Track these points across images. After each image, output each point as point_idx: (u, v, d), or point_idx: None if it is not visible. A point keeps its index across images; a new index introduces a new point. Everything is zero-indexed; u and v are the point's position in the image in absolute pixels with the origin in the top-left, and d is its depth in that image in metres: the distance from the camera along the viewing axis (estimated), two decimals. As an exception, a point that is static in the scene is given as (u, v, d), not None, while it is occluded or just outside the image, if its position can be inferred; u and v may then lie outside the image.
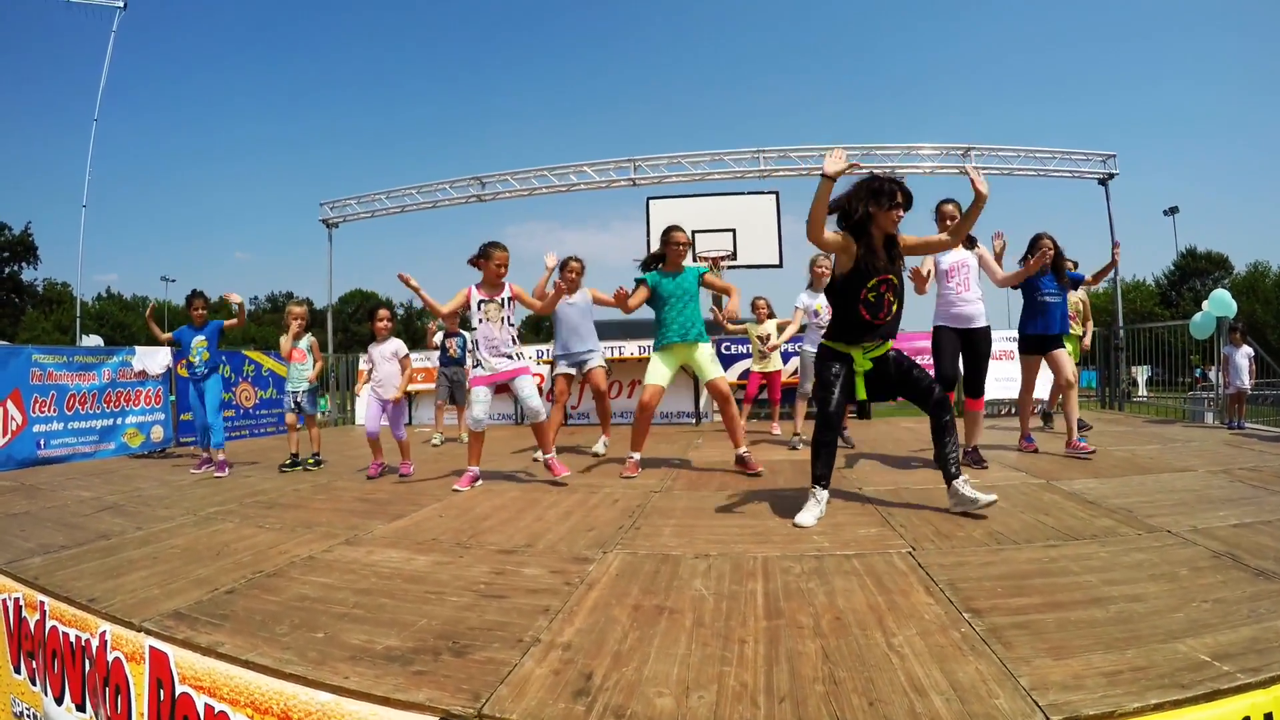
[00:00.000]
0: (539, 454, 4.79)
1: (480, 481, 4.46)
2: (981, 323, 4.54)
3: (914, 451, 5.34)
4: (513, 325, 4.49)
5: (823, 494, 3.35)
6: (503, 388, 4.61)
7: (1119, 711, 1.50)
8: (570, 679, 1.67)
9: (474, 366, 4.49)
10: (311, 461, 5.49)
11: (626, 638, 1.92)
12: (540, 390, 6.56)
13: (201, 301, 5.69)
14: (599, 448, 5.69)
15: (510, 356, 4.44)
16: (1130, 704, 1.52)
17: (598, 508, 3.65)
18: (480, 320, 4.42)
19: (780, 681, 1.64)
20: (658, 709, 1.53)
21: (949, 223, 4.26)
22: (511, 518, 3.49)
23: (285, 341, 5.50)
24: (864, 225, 3.23)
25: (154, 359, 7.39)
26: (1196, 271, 40.39)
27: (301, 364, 5.48)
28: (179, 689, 1.92)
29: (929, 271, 4.51)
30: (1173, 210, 41.82)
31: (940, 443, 3.32)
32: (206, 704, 1.85)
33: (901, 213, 3.25)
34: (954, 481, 3.28)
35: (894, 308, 3.30)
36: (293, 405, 5.54)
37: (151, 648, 2.02)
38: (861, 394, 3.36)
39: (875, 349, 3.35)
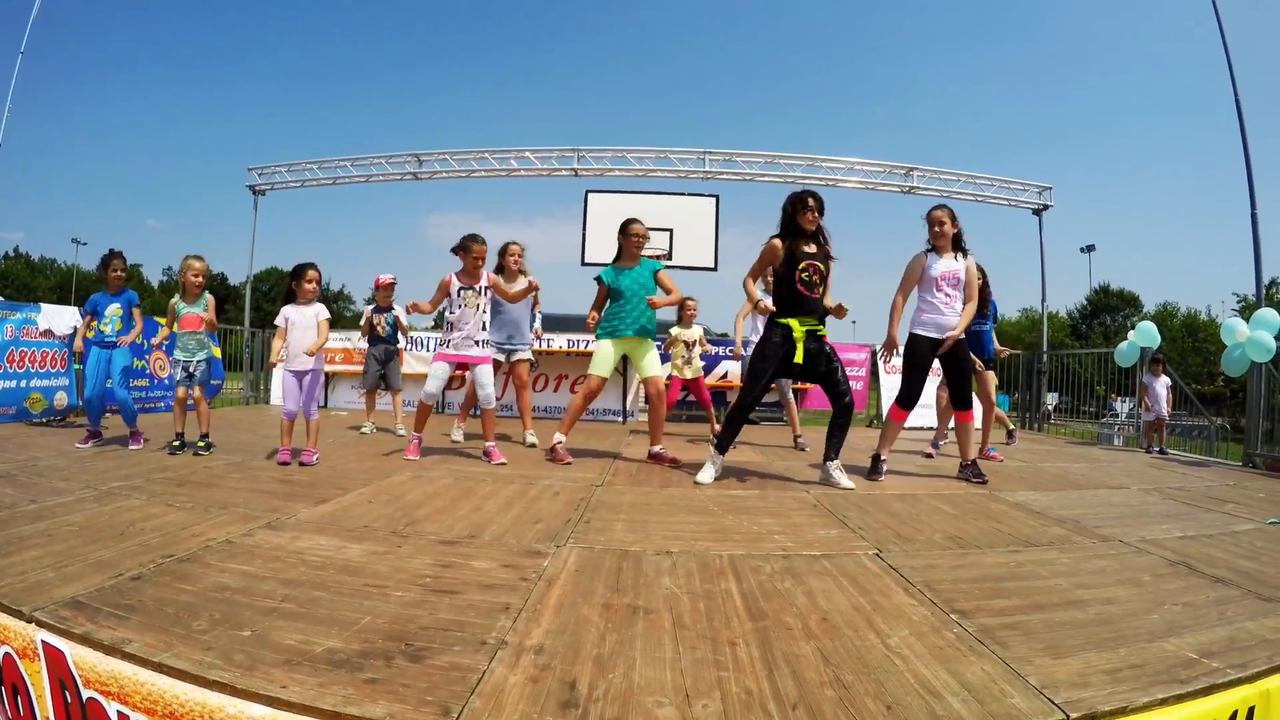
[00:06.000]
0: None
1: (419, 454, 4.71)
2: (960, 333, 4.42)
3: (854, 459, 5.37)
4: (485, 314, 4.72)
5: (719, 459, 4.14)
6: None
7: (1131, 707, 1.49)
8: (552, 688, 1.47)
9: (441, 345, 4.73)
10: (201, 445, 4.63)
11: (605, 640, 1.73)
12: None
13: (120, 263, 5.06)
14: (530, 439, 5.59)
15: (479, 344, 4.70)
16: (1139, 699, 1.51)
17: (539, 499, 3.46)
18: (459, 306, 4.64)
19: (786, 687, 1.49)
20: (660, 720, 1.35)
21: (938, 228, 4.43)
22: (447, 506, 3.25)
23: (175, 302, 4.71)
24: (791, 225, 4.07)
25: (60, 318, 6.61)
26: (1108, 307, 42.50)
27: (197, 330, 4.74)
28: (85, 693, 1.57)
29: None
30: (1089, 248, 44.64)
31: (832, 434, 4.14)
32: (120, 711, 1.52)
33: (812, 215, 4.04)
34: (829, 462, 4.11)
35: (821, 289, 4.05)
36: (183, 376, 4.70)
37: (45, 643, 1.66)
38: (799, 358, 4.01)
39: (810, 324, 4.05)
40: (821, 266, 4.03)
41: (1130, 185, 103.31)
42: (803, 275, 3.98)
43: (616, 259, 4.81)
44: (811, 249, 4.05)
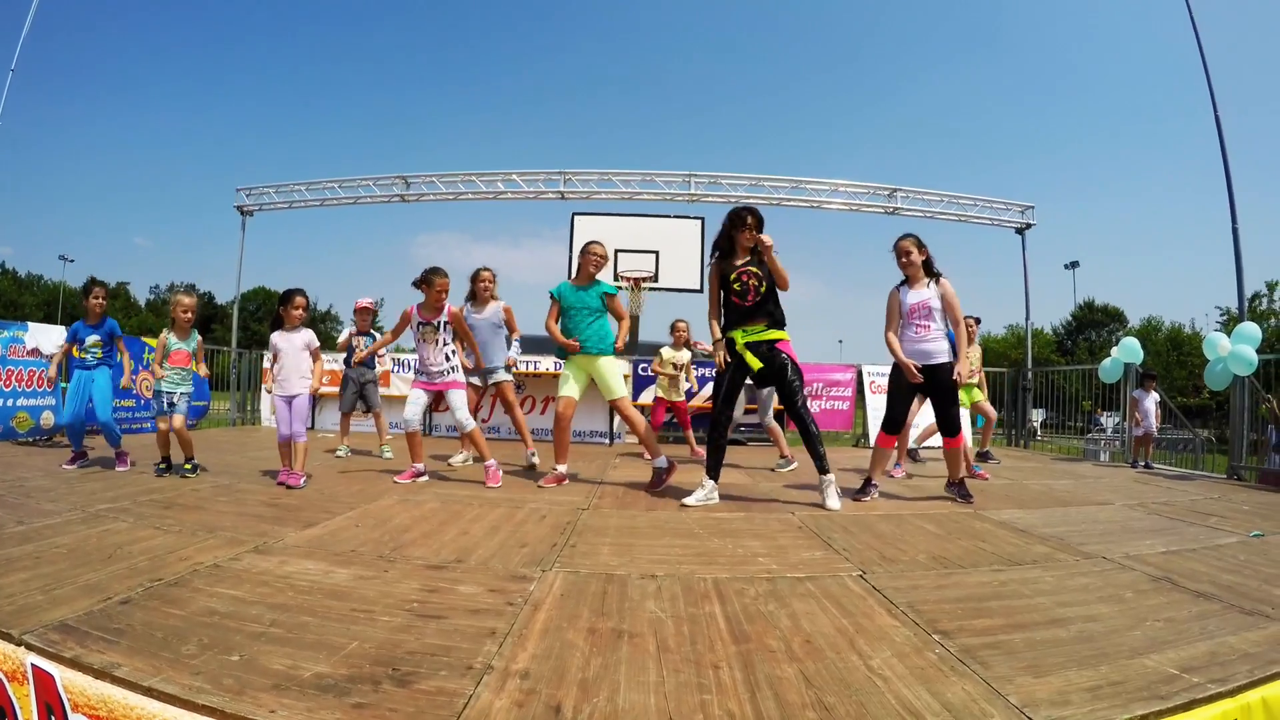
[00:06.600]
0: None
1: (425, 478, 4.75)
2: (941, 359, 4.37)
3: (841, 480, 5.39)
4: (448, 344, 4.75)
5: (710, 484, 4.06)
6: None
7: (1112, 723, 1.50)
8: (537, 712, 1.48)
9: (417, 375, 4.89)
10: (189, 467, 4.66)
11: (589, 664, 1.74)
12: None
13: (101, 291, 5.13)
14: (532, 459, 5.55)
15: (445, 372, 4.76)
16: (1120, 715, 1.53)
17: (525, 523, 3.46)
18: (419, 341, 4.75)
19: (769, 709, 1.51)
20: (642, 741, 1.36)
21: (904, 259, 4.45)
22: (434, 530, 3.25)
23: (166, 337, 4.69)
24: (727, 243, 4.14)
25: (48, 337, 6.60)
26: (1093, 323, 42.32)
27: (184, 367, 4.73)
28: (73, 717, 1.58)
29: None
30: (1074, 264, 44.82)
31: (807, 449, 4.10)
32: (107, 737, 1.53)
33: (750, 232, 4.03)
34: (823, 476, 4.08)
35: (760, 290, 4.02)
36: (165, 407, 4.63)
37: (34, 666, 1.66)
38: (755, 365, 3.99)
39: (756, 332, 4.03)
40: (756, 270, 4.02)
41: (1114, 197, 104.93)
42: (735, 287, 4.04)
43: (575, 276, 4.92)
44: (744, 259, 4.07)
